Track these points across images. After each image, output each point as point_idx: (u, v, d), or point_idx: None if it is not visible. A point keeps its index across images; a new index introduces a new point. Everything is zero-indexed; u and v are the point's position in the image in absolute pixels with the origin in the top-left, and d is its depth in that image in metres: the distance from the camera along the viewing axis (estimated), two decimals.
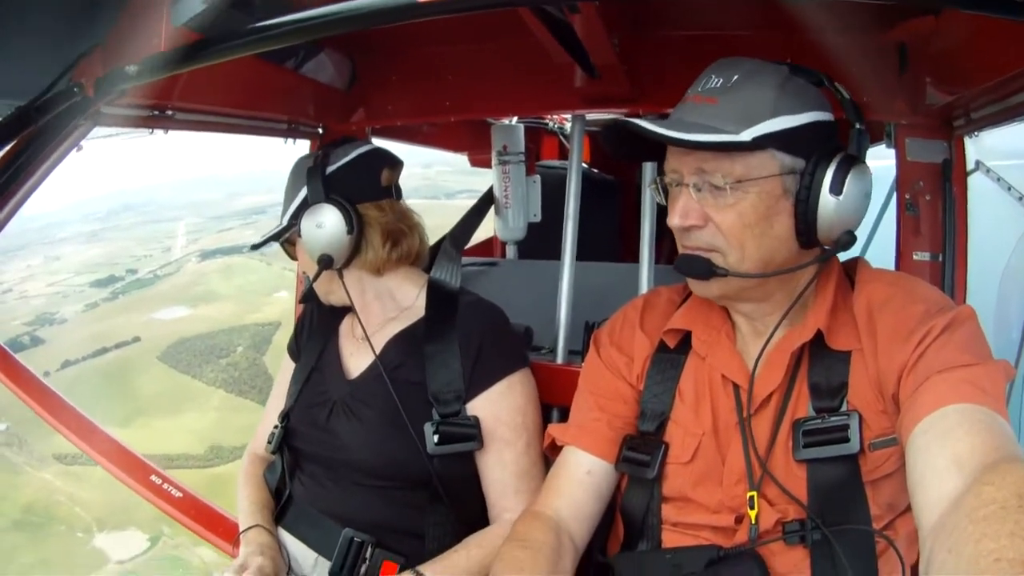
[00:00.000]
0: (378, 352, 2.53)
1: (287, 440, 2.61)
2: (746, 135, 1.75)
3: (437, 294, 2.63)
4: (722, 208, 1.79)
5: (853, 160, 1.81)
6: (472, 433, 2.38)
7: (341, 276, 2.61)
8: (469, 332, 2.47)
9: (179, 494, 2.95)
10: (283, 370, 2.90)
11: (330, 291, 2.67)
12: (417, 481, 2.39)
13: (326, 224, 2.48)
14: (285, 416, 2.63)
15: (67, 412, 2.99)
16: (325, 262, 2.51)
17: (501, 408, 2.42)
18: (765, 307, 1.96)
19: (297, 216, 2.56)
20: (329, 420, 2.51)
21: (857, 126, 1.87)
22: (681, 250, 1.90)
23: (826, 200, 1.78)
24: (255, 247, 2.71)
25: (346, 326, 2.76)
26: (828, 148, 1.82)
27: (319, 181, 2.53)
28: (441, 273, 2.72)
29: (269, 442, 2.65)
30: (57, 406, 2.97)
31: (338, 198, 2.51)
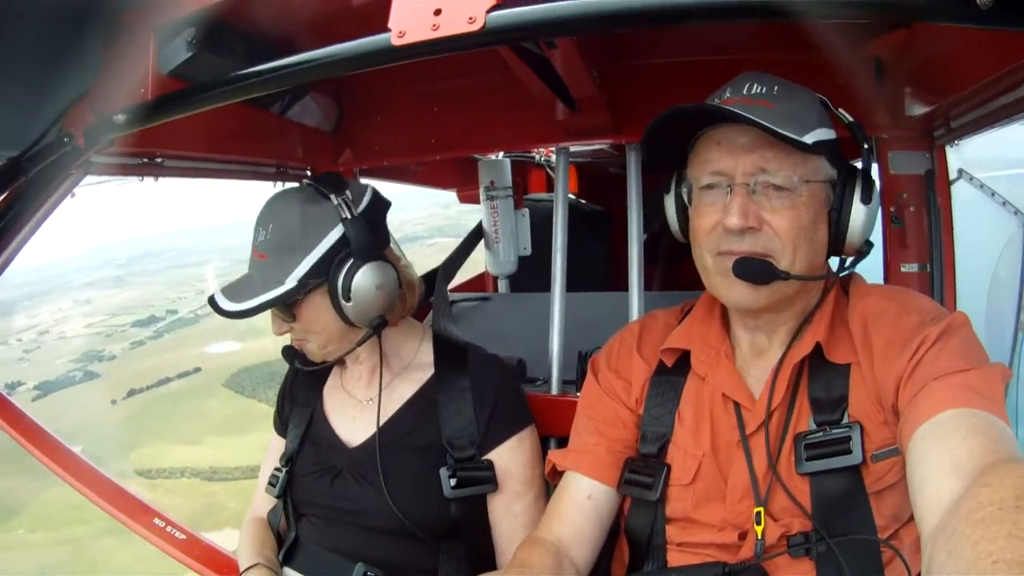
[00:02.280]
0: (391, 415, 2.46)
1: (291, 493, 2.54)
2: (808, 138, 1.80)
3: (445, 348, 2.57)
4: (778, 210, 1.80)
5: (868, 173, 1.88)
6: (487, 476, 2.36)
7: (379, 337, 2.44)
8: (484, 387, 2.43)
9: (182, 536, 2.92)
10: (271, 450, 2.75)
11: (341, 350, 2.43)
12: (434, 529, 2.35)
13: (387, 284, 2.32)
14: (289, 460, 2.55)
15: (71, 459, 2.97)
16: (381, 324, 2.36)
17: (512, 463, 2.40)
18: (779, 319, 1.97)
19: (319, 273, 2.28)
20: (334, 486, 2.43)
21: (865, 146, 1.91)
22: (713, 259, 1.89)
23: (858, 209, 1.85)
24: (239, 315, 2.26)
25: (334, 386, 2.65)
26: (848, 163, 1.90)
27: (367, 231, 2.31)
28: (444, 323, 2.67)
29: (272, 484, 2.57)
30: (61, 454, 2.95)
31: (379, 251, 2.36)
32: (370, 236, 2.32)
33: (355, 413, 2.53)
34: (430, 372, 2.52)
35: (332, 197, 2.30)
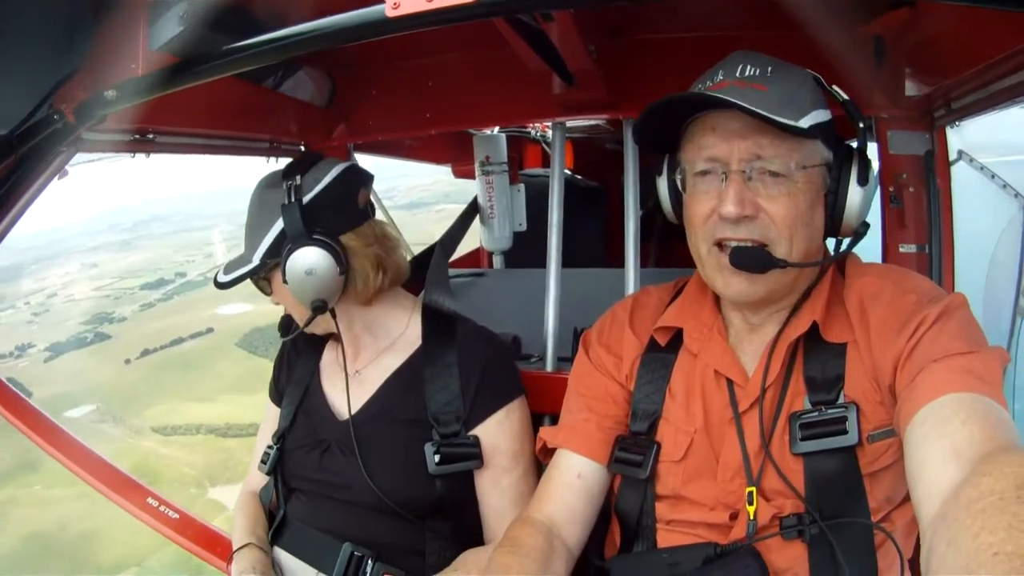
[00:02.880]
0: (377, 389, 2.48)
1: (282, 468, 2.56)
2: (804, 122, 1.77)
3: (433, 320, 2.57)
4: (775, 197, 1.78)
5: (864, 153, 1.86)
6: (473, 452, 2.35)
7: (333, 314, 2.45)
8: (471, 361, 2.42)
9: (175, 515, 2.93)
10: (267, 417, 2.79)
11: (315, 324, 2.48)
12: (419, 505, 2.35)
13: (317, 269, 2.31)
14: (280, 438, 2.57)
15: (64, 439, 2.96)
16: (319, 308, 2.37)
17: (499, 436, 2.40)
18: (779, 304, 1.96)
19: (274, 254, 2.37)
20: (323, 459, 2.45)
21: (860, 125, 1.88)
22: (709, 249, 1.87)
23: (855, 191, 1.83)
24: (222, 286, 2.43)
25: (330, 360, 2.67)
26: (844, 144, 1.87)
27: (298, 217, 2.33)
28: (434, 297, 2.67)
29: (264, 462, 2.59)
30: (54, 434, 2.95)
31: (322, 236, 2.34)
32: (304, 224, 2.33)
33: (344, 387, 2.52)
34: (413, 343, 2.53)
35: (283, 182, 2.36)
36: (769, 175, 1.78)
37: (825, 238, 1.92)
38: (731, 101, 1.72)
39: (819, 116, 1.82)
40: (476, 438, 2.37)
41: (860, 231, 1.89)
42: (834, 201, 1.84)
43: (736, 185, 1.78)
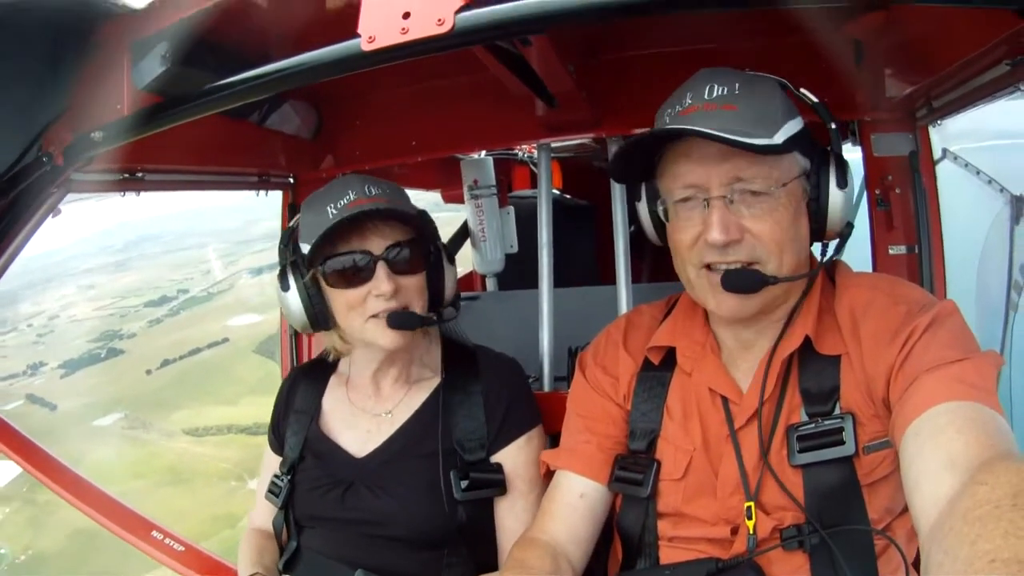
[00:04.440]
0: (403, 423, 2.45)
1: (294, 508, 2.49)
2: (778, 138, 1.76)
3: (454, 350, 2.57)
4: (759, 216, 1.78)
5: (840, 156, 1.86)
6: (498, 479, 2.35)
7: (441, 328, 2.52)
8: (497, 388, 2.44)
9: (181, 548, 2.89)
10: (265, 467, 2.71)
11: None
12: (442, 533, 2.32)
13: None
14: (291, 468, 2.51)
15: (68, 475, 2.94)
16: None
17: (519, 461, 2.40)
18: (768, 318, 1.95)
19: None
20: (345, 499, 2.38)
21: (832, 126, 1.89)
22: (698, 272, 1.87)
23: (835, 194, 1.83)
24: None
25: (340, 400, 2.59)
26: (820, 148, 1.87)
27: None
28: (450, 327, 2.65)
29: (276, 494, 2.52)
30: (58, 471, 2.93)
31: None
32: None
33: (370, 426, 2.49)
34: (438, 376, 2.51)
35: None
36: (751, 195, 1.78)
37: (812, 244, 1.92)
38: (706, 132, 1.71)
39: (793, 127, 1.81)
40: (500, 465, 2.37)
41: (844, 232, 1.89)
42: (817, 208, 1.85)
43: (719, 211, 1.78)
